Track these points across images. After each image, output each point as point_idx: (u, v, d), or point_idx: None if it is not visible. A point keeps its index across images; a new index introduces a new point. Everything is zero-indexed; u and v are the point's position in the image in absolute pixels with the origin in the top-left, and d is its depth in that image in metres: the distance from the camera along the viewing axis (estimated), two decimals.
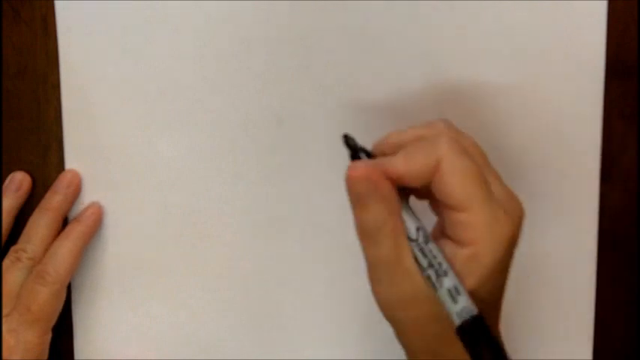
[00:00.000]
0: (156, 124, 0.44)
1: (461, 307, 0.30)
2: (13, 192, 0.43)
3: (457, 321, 0.30)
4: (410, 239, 0.32)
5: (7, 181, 0.44)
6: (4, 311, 0.41)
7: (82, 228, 0.43)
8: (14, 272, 0.42)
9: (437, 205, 0.34)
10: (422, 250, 0.32)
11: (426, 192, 0.33)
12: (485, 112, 0.43)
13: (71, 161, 0.44)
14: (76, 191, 0.44)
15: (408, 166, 0.32)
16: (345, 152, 0.44)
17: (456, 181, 0.31)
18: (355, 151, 0.35)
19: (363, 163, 0.32)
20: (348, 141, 0.35)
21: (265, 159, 0.44)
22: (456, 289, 0.30)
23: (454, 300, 0.30)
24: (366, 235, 0.32)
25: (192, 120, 0.44)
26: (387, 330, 0.34)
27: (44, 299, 0.41)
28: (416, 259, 0.32)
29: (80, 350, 0.46)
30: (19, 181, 0.44)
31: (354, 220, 0.33)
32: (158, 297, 0.45)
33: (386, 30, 0.43)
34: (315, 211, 0.44)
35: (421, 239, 0.32)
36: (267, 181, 0.44)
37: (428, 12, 0.43)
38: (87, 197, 0.44)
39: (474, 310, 0.30)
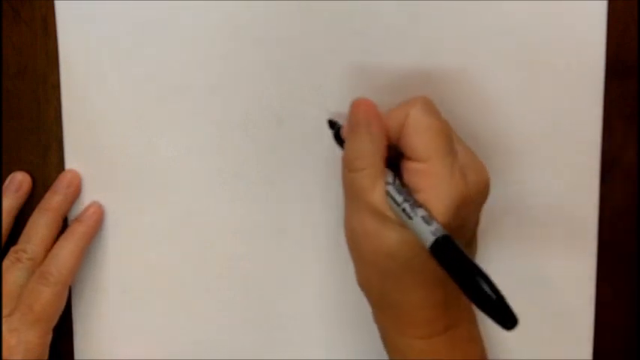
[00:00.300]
0: (156, 124, 0.44)
1: (435, 227, 0.33)
2: (13, 192, 0.43)
3: (432, 238, 0.33)
4: (387, 182, 0.36)
5: (7, 182, 0.44)
6: (5, 311, 0.41)
7: (84, 228, 0.43)
8: (14, 272, 0.42)
9: (404, 161, 0.37)
10: (397, 190, 0.35)
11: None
12: (485, 111, 0.43)
13: (71, 161, 0.44)
14: (76, 191, 0.44)
15: (387, 119, 0.37)
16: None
17: (418, 134, 0.36)
18: (338, 130, 0.40)
19: (368, 100, 0.37)
20: (333, 125, 0.41)
21: (265, 159, 0.44)
22: (429, 216, 0.34)
23: (428, 223, 0.34)
24: (349, 162, 0.37)
25: (192, 120, 0.44)
26: None
27: (46, 299, 0.41)
28: (391, 197, 0.35)
29: (80, 350, 0.46)
30: (19, 182, 0.44)
31: (344, 151, 0.37)
32: (158, 297, 0.45)
33: (386, 30, 0.43)
34: (314, 211, 0.44)
35: (397, 183, 0.36)
36: (267, 181, 0.44)
37: (428, 12, 0.43)
38: (87, 197, 0.44)
39: (445, 231, 0.34)
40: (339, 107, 0.43)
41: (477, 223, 0.39)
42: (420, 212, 0.34)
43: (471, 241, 0.39)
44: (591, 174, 0.44)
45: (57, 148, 0.44)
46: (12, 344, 0.41)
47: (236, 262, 0.45)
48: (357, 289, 0.44)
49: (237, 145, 0.44)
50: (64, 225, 0.44)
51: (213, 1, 0.43)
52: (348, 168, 0.37)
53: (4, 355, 0.41)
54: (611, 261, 0.45)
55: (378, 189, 0.36)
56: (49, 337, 0.43)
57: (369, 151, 0.36)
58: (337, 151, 0.44)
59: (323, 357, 0.46)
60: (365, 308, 0.44)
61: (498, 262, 0.45)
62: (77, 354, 0.46)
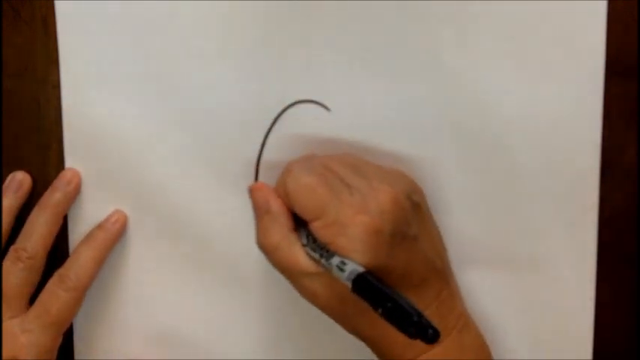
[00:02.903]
0: (155, 123, 0.44)
1: (348, 272, 0.35)
2: (13, 192, 0.43)
3: (349, 283, 0.35)
4: (303, 245, 0.39)
5: (7, 181, 0.44)
6: (9, 312, 0.42)
7: (106, 235, 0.44)
8: (15, 273, 0.42)
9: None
10: (313, 249, 0.38)
11: None
12: (485, 111, 0.43)
13: (71, 161, 0.44)
14: (76, 189, 0.44)
15: (276, 192, 0.40)
16: (344, 152, 0.44)
17: (297, 200, 0.39)
18: None
19: (262, 183, 0.42)
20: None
21: (265, 159, 0.44)
22: (343, 262, 0.36)
23: (342, 270, 0.35)
24: (264, 246, 0.40)
25: (191, 120, 0.44)
26: None
27: (63, 303, 0.42)
28: (311, 257, 0.38)
29: (80, 350, 0.46)
30: (19, 181, 0.44)
31: (257, 239, 0.40)
32: (158, 297, 0.45)
33: (386, 30, 0.43)
34: None
35: (311, 242, 0.38)
36: (267, 180, 0.44)
37: (428, 12, 0.43)
38: (87, 197, 0.44)
39: (360, 269, 0.35)
40: (339, 107, 0.43)
41: (429, 237, 0.40)
42: (335, 261, 0.36)
43: (431, 272, 0.40)
44: (591, 174, 0.44)
45: (57, 148, 0.44)
46: (23, 344, 0.41)
47: (236, 262, 0.45)
48: None
49: (237, 145, 0.44)
50: (64, 224, 0.44)
51: (213, 1, 0.43)
52: (266, 251, 0.40)
53: (12, 352, 0.41)
54: (611, 261, 0.45)
55: (299, 255, 0.38)
56: (60, 340, 0.43)
57: (276, 228, 0.39)
58: (337, 151, 0.44)
59: (323, 357, 0.46)
60: None
61: (498, 263, 0.45)
62: (77, 354, 0.46)
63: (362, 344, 0.41)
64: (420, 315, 0.32)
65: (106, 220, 0.44)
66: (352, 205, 0.37)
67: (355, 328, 0.40)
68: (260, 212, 0.40)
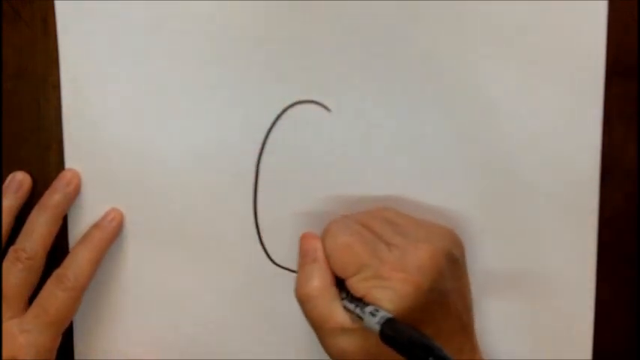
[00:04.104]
0: (156, 124, 0.44)
1: (379, 317, 0.35)
2: (13, 192, 0.43)
3: (378, 327, 0.35)
4: (341, 298, 0.39)
5: (7, 181, 0.44)
6: (9, 312, 0.42)
7: (103, 235, 0.44)
8: (15, 273, 0.42)
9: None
10: (349, 300, 0.38)
11: None
12: (485, 111, 0.43)
13: (71, 161, 0.44)
14: (76, 190, 0.44)
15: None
16: (344, 152, 0.44)
17: (334, 259, 0.40)
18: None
19: (312, 233, 0.43)
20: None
21: (265, 159, 0.44)
22: (376, 310, 0.36)
23: (374, 315, 0.36)
24: (305, 295, 0.40)
25: (191, 120, 0.44)
26: None
27: (61, 303, 0.42)
28: (346, 308, 0.38)
29: (80, 350, 0.46)
30: (19, 182, 0.44)
31: (297, 286, 0.41)
32: (158, 297, 0.45)
33: (386, 30, 0.43)
34: (314, 210, 0.44)
35: (348, 295, 0.39)
36: (268, 181, 0.44)
37: (428, 12, 0.43)
38: (87, 197, 0.44)
39: (389, 315, 0.36)
40: (339, 107, 0.43)
41: (461, 294, 0.41)
42: (369, 309, 0.37)
43: (462, 327, 0.40)
44: (591, 174, 0.44)
45: (57, 148, 0.44)
46: (22, 344, 0.41)
47: (236, 262, 0.45)
48: None
49: (237, 145, 0.44)
50: (63, 223, 0.44)
51: (213, 1, 0.43)
52: (305, 299, 0.40)
53: (11, 352, 0.41)
54: (611, 261, 0.45)
55: (337, 309, 0.39)
56: (59, 340, 0.43)
57: (320, 277, 0.40)
58: (337, 151, 0.44)
59: (323, 357, 0.46)
60: None
61: (498, 263, 0.45)
62: (77, 354, 0.46)
63: None
64: (444, 353, 0.32)
65: (103, 218, 0.44)
66: (390, 262, 0.38)
67: None
68: (306, 260, 0.41)
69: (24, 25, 0.43)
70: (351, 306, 0.38)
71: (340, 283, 0.40)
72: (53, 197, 0.43)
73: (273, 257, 0.45)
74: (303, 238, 0.42)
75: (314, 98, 0.43)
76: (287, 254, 0.45)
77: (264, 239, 0.45)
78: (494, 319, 0.45)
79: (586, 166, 0.44)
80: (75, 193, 0.44)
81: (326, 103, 0.44)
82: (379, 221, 0.41)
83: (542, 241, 0.45)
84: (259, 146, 0.44)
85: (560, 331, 0.45)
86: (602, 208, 0.44)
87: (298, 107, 0.44)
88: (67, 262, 0.43)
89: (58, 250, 0.44)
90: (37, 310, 0.42)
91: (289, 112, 0.44)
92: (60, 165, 0.44)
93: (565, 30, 0.43)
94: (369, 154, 0.44)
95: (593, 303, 0.45)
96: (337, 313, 0.39)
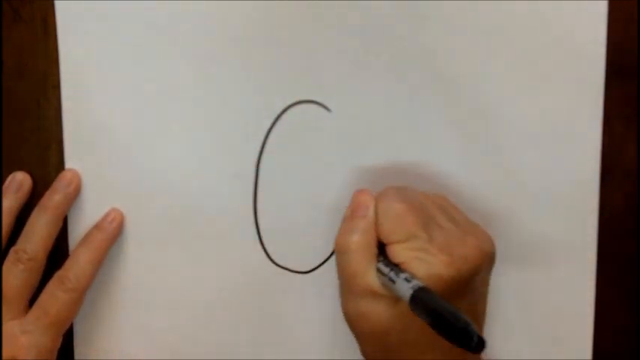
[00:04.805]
0: (156, 124, 0.44)
1: (413, 284, 0.35)
2: (13, 193, 0.43)
3: (410, 292, 0.35)
4: (377, 261, 0.39)
5: (7, 182, 0.44)
6: (10, 313, 0.42)
7: (104, 236, 0.44)
8: (15, 274, 0.42)
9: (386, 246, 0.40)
10: (384, 264, 0.38)
11: None
12: (485, 111, 0.43)
13: (71, 161, 0.44)
14: (76, 190, 0.44)
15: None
16: (344, 152, 0.44)
17: (384, 220, 0.39)
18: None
19: (368, 190, 0.41)
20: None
21: (265, 159, 0.44)
22: (411, 277, 0.36)
23: (409, 281, 0.35)
24: (345, 244, 0.39)
25: (192, 120, 0.44)
26: None
27: (62, 305, 0.42)
28: (380, 270, 0.38)
29: (80, 350, 0.46)
30: (19, 182, 0.44)
31: (339, 236, 0.40)
32: (158, 297, 0.45)
33: (386, 30, 0.43)
34: (314, 210, 0.44)
35: (383, 259, 0.38)
36: (268, 181, 0.44)
37: (428, 12, 0.43)
38: (87, 197, 0.44)
39: (422, 284, 0.35)
40: (339, 107, 0.43)
41: (482, 298, 0.41)
42: (403, 275, 0.36)
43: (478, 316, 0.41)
44: (591, 174, 0.44)
45: (57, 148, 0.44)
46: (23, 345, 0.41)
47: (236, 261, 0.45)
48: None
49: (237, 145, 0.44)
50: (63, 224, 0.44)
51: (213, 1, 0.43)
52: (344, 250, 0.39)
53: (12, 353, 0.41)
54: (611, 261, 0.45)
55: (370, 270, 0.38)
56: (60, 341, 0.43)
57: (364, 233, 0.39)
58: (337, 151, 0.44)
59: (323, 357, 0.46)
60: None
61: (498, 263, 0.45)
62: (77, 354, 0.46)
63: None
64: (481, 340, 0.32)
65: (103, 219, 0.44)
66: (438, 242, 0.38)
67: None
68: (356, 214, 0.40)
69: (24, 25, 0.43)
70: (386, 269, 0.37)
71: (379, 249, 0.39)
72: (54, 198, 0.43)
73: (273, 257, 0.45)
74: (359, 192, 0.41)
75: (314, 98, 0.44)
76: (287, 254, 0.45)
77: (264, 239, 0.45)
78: (494, 319, 0.45)
79: (586, 166, 0.44)
80: (75, 194, 0.44)
81: (326, 103, 0.44)
82: (434, 205, 0.40)
83: (542, 241, 0.45)
84: (259, 146, 0.44)
85: (560, 331, 0.45)
86: (602, 208, 0.44)
87: (298, 107, 0.44)
88: (68, 263, 0.43)
89: (58, 252, 0.44)
90: (38, 312, 0.42)
91: (289, 112, 0.44)
92: (60, 165, 0.44)
93: (565, 30, 0.43)
94: (369, 154, 0.44)
95: (593, 303, 0.45)
96: (370, 274, 0.38)
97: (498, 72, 0.43)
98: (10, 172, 0.44)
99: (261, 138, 0.44)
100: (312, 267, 0.45)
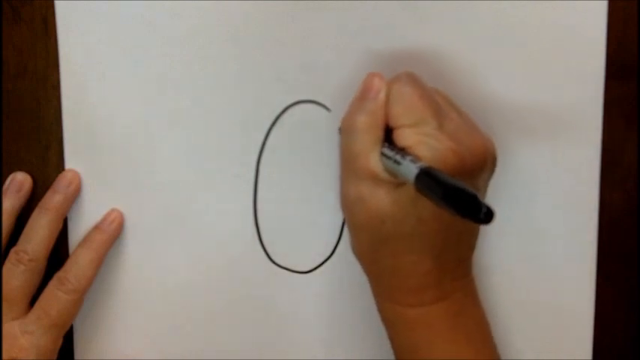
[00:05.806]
0: (156, 124, 0.44)
1: (419, 165, 0.34)
2: (13, 193, 0.43)
3: (416, 171, 0.34)
4: (383, 146, 0.37)
5: (7, 182, 0.44)
6: (11, 314, 0.42)
7: (104, 237, 0.44)
8: (16, 275, 0.42)
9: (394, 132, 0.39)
10: (390, 148, 0.37)
11: None
12: (485, 112, 0.43)
13: (71, 161, 0.44)
14: (76, 191, 0.44)
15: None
16: None
17: (399, 103, 0.38)
18: None
19: (381, 75, 0.39)
20: None
21: (265, 159, 0.44)
22: (417, 159, 0.35)
23: (415, 163, 0.35)
24: (352, 123, 0.38)
25: (191, 120, 0.44)
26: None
27: (63, 305, 0.42)
28: (384, 154, 0.37)
29: (80, 350, 0.46)
30: (19, 182, 0.44)
31: (346, 114, 0.39)
32: (158, 297, 0.45)
33: (386, 30, 0.43)
34: (315, 211, 0.44)
35: (389, 144, 0.37)
36: (268, 181, 0.44)
37: (428, 12, 0.43)
38: (87, 197, 0.44)
39: (429, 165, 0.34)
40: (339, 107, 0.43)
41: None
42: (409, 157, 0.35)
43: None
44: (591, 174, 0.44)
45: (57, 148, 0.44)
46: (23, 345, 0.41)
47: (236, 261, 0.45)
48: (358, 288, 0.44)
49: (237, 145, 0.44)
50: (63, 224, 0.44)
51: (213, 1, 0.43)
52: (349, 129, 0.38)
53: (12, 353, 0.41)
54: (611, 261, 0.45)
55: (374, 153, 0.37)
56: (60, 342, 0.43)
57: (371, 114, 0.38)
58: (337, 151, 0.44)
59: (323, 357, 0.46)
60: (365, 308, 0.44)
61: (498, 262, 0.45)
62: (77, 354, 0.46)
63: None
64: (490, 211, 0.32)
65: (103, 220, 0.44)
66: (448, 131, 0.37)
67: (375, 253, 0.39)
68: (366, 95, 0.38)
69: (24, 25, 0.43)
70: (391, 153, 0.37)
71: (385, 136, 0.39)
72: (54, 198, 0.43)
73: (273, 257, 0.45)
74: (371, 75, 0.39)
75: (314, 98, 0.44)
76: (287, 254, 0.45)
77: (264, 239, 0.45)
78: (494, 319, 0.45)
79: (586, 166, 0.44)
80: (75, 194, 0.44)
81: (326, 103, 0.44)
82: (444, 99, 0.40)
83: (542, 241, 0.45)
84: (259, 146, 0.44)
85: (560, 331, 0.45)
86: (602, 207, 0.44)
87: (298, 107, 0.44)
88: (69, 264, 0.43)
89: (58, 252, 0.44)
90: (38, 312, 0.42)
91: (289, 112, 0.44)
92: (60, 165, 0.44)
93: (565, 30, 0.43)
94: None
95: (593, 303, 0.45)
96: (374, 156, 0.37)
97: (498, 72, 0.43)
98: (10, 172, 0.44)
99: (261, 138, 0.44)
100: (312, 267, 0.45)
